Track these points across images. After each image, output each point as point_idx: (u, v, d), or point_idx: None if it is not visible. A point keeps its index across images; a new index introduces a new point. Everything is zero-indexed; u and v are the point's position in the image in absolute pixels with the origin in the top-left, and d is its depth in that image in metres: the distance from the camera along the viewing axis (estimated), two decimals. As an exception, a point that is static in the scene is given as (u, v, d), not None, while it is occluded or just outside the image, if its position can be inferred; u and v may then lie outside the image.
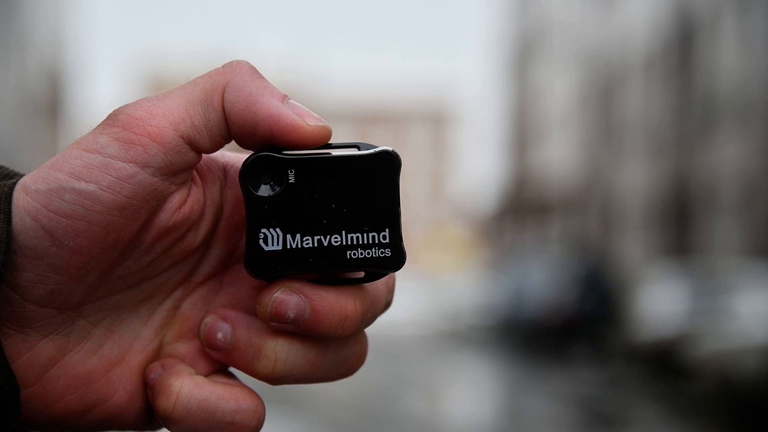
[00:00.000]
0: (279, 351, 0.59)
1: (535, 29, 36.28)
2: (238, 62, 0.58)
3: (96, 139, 0.55)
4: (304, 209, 0.57)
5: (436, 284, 37.00)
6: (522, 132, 38.33)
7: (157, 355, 0.62)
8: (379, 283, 0.61)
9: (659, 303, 12.61)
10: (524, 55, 37.95)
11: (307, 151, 0.58)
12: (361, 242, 0.57)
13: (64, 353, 0.59)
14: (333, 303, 0.58)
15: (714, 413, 9.00)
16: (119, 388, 0.60)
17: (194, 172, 0.60)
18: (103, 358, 0.60)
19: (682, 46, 20.61)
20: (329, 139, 0.58)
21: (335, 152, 0.58)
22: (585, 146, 28.73)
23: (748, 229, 16.82)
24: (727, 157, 17.84)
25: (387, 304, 0.62)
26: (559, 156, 31.68)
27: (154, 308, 0.62)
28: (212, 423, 0.58)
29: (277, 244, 0.57)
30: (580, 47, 29.65)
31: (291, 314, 0.57)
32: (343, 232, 0.57)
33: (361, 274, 0.59)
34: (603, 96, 26.90)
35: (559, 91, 32.32)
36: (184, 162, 0.57)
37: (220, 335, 0.60)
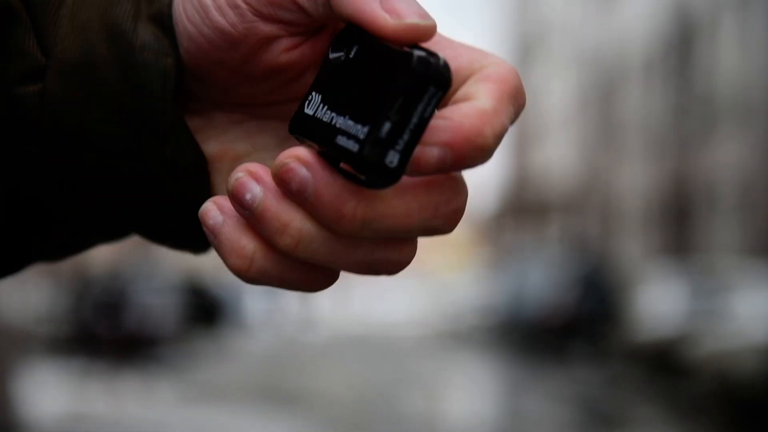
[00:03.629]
0: (305, 233, 0.53)
1: (534, 30, 36.30)
2: None
3: None
4: (343, 86, 0.52)
5: (436, 284, 37.01)
6: (522, 132, 38.34)
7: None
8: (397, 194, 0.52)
9: (659, 303, 12.62)
10: (524, 56, 37.97)
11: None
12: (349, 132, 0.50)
13: None
14: (335, 195, 0.51)
15: (714, 413, 9.01)
16: None
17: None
18: None
19: (682, 47, 20.62)
20: (419, 41, 0.50)
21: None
22: (585, 146, 28.75)
23: (748, 229, 16.83)
24: (726, 158, 17.86)
25: (428, 227, 0.52)
26: (559, 156, 31.69)
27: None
28: None
29: (312, 109, 0.53)
30: (580, 48, 29.68)
31: (294, 186, 0.51)
32: (346, 117, 0.50)
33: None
34: (603, 97, 26.92)
35: (559, 91, 32.34)
36: (290, 18, 0.54)
37: (248, 196, 0.53)
